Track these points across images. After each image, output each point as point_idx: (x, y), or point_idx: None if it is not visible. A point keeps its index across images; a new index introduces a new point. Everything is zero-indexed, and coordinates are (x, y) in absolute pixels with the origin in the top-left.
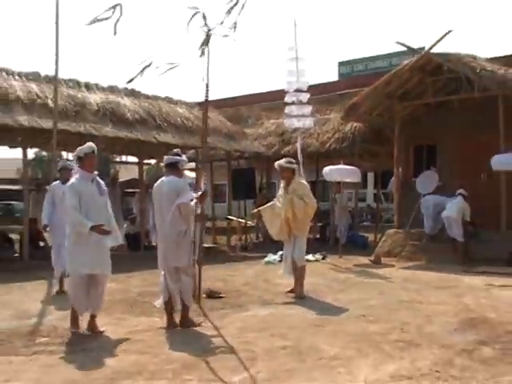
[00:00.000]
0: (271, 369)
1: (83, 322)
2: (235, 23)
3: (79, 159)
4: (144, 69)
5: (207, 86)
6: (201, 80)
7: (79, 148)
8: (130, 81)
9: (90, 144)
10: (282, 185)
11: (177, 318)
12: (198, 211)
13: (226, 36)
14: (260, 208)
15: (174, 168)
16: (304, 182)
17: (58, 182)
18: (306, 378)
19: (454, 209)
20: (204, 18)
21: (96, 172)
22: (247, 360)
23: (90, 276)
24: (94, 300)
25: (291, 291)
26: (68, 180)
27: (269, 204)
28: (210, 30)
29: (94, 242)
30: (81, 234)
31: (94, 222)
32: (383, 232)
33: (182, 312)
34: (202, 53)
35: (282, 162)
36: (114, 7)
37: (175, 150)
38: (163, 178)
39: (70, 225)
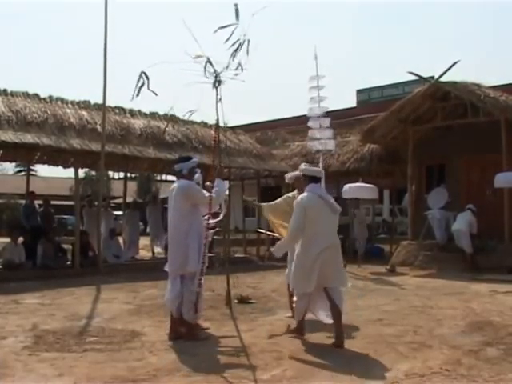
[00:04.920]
0: (297, 367)
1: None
2: (240, 64)
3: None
4: (169, 118)
5: (217, 122)
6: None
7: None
8: (164, 131)
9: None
10: (290, 194)
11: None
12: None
13: (234, 78)
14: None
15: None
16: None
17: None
18: (328, 376)
19: (463, 222)
20: (211, 63)
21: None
22: (275, 359)
23: None
24: None
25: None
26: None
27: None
28: (218, 75)
29: None
30: None
31: None
32: (398, 243)
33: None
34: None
35: (296, 173)
36: (140, 75)
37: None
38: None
39: None
